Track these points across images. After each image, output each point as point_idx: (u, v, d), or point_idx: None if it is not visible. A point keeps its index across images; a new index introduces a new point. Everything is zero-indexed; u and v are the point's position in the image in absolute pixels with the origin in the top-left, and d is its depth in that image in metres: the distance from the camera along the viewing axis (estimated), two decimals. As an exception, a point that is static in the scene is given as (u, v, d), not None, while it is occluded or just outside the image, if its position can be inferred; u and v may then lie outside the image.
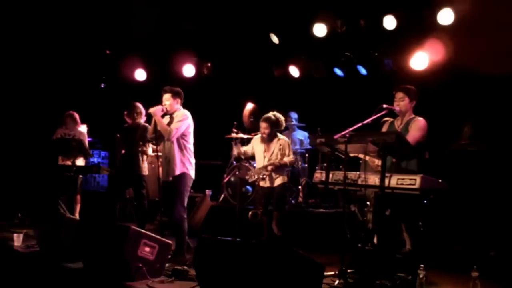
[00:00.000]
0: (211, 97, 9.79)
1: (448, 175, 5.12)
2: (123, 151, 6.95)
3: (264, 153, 6.51)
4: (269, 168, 6.39)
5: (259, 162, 6.56)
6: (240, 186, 7.63)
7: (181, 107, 5.88)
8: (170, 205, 5.73)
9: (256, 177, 6.46)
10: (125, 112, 6.95)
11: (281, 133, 6.71)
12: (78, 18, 8.70)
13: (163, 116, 5.76)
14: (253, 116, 8.39)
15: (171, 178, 5.73)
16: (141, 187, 6.79)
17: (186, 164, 5.74)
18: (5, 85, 9.21)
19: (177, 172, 5.69)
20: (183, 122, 5.71)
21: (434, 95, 7.28)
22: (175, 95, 5.81)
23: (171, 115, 5.82)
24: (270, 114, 6.46)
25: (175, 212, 5.65)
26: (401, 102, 5.18)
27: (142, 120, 6.88)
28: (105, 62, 10.19)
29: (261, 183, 6.48)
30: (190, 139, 5.84)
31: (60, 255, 5.44)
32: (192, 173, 5.81)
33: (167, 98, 5.77)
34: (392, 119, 5.41)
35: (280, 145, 6.44)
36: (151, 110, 5.67)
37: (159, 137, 5.78)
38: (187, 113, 5.81)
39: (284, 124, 6.64)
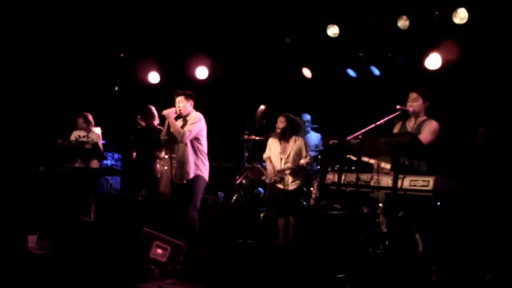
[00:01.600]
0: (224, 99, 9.79)
1: (462, 176, 5.07)
2: (134, 153, 7.01)
3: (280, 154, 6.52)
4: (287, 172, 6.39)
5: (276, 163, 6.55)
6: (252, 188, 7.62)
7: (193, 110, 5.90)
8: (183, 207, 5.74)
9: (272, 179, 6.46)
10: (139, 116, 7.03)
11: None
12: (92, 21, 8.76)
13: (176, 119, 5.78)
14: (265, 118, 8.39)
15: (185, 181, 5.74)
16: (154, 189, 6.85)
17: (200, 167, 5.76)
18: (20, 87, 9.30)
19: (191, 175, 5.70)
20: (196, 124, 5.73)
21: (448, 95, 7.22)
22: (188, 97, 5.84)
23: (184, 117, 5.84)
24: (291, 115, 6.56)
25: (188, 214, 5.66)
26: (415, 103, 5.13)
27: (155, 122, 6.97)
28: (119, 65, 10.23)
29: (278, 185, 6.48)
30: (204, 141, 5.86)
31: (74, 256, 5.48)
32: (206, 175, 5.82)
33: (180, 100, 5.81)
34: (402, 121, 5.36)
35: (297, 146, 6.45)
36: (165, 112, 5.71)
37: (172, 139, 5.80)
38: (200, 115, 5.83)
39: (302, 131, 6.68)
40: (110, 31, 9.16)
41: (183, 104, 5.79)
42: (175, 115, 5.74)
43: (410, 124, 5.21)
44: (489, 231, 6.01)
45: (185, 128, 5.70)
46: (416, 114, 5.16)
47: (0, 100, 9.07)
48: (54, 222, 6.18)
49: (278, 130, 6.52)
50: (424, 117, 5.10)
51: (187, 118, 5.83)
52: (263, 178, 6.82)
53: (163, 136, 5.95)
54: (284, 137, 6.53)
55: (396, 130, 5.32)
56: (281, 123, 6.50)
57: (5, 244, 6.30)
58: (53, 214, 6.73)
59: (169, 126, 5.73)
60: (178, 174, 5.80)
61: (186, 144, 5.73)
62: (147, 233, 4.89)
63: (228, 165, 9.12)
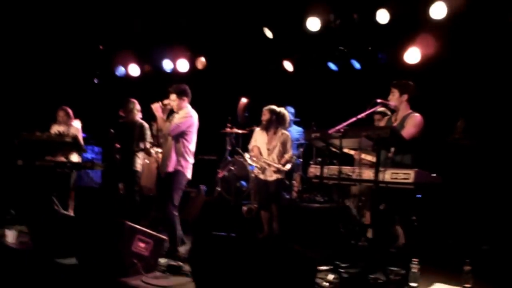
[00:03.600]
0: (205, 92, 9.74)
1: (441, 169, 5.13)
2: (117, 146, 6.97)
3: (266, 144, 6.58)
4: (272, 169, 6.44)
5: (262, 153, 6.61)
6: (235, 181, 7.63)
7: (188, 105, 5.83)
8: (162, 201, 5.73)
9: (258, 165, 6.54)
10: (121, 109, 6.99)
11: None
12: (71, 13, 8.65)
13: (170, 114, 5.74)
14: (247, 111, 8.39)
15: (163, 175, 5.73)
16: (133, 183, 6.84)
17: (182, 162, 5.69)
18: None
19: (170, 169, 5.65)
20: (185, 120, 5.67)
21: (428, 89, 7.29)
22: (180, 94, 5.76)
23: (177, 112, 5.80)
24: (275, 107, 6.59)
25: (165, 209, 5.61)
26: (392, 96, 5.17)
27: (138, 116, 6.93)
28: (99, 57, 10.13)
29: (260, 176, 6.54)
30: (191, 138, 5.76)
31: (54, 251, 5.42)
32: (187, 172, 5.75)
33: (173, 98, 5.74)
34: (390, 115, 5.42)
35: (284, 139, 6.51)
36: (152, 106, 5.66)
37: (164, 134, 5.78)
38: (191, 112, 5.77)
39: (287, 122, 6.70)
40: (89, 23, 9.06)
41: (176, 102, 5.73)
42: (160, 109, 5.67)
43: (394, 118, 5.26)
44: (469, 223, 6.12)
45: (173, 122, 5.65)
46: (397, 108, 5.21)
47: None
48: (33, 216, 6.10)
49: (264, 122, 6.59)
50: (409, 111, 5.14)
51: (179, 113, 5.78)
52: (248, 166, 6.86)
53: (156, 131, 5.94)
54: (269, 129, 6.57)
55: (382, 124, 5.38)
56: (264, 115, 6.58)
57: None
58: (32, 208, 6.65)
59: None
60: (161, 166, 5.79)
61: (172, 139, 5.67)
62: (129, 227, 4.86)
63: (210, 158, 9.10)
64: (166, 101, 5.70)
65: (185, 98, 5.79)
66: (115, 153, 7.05)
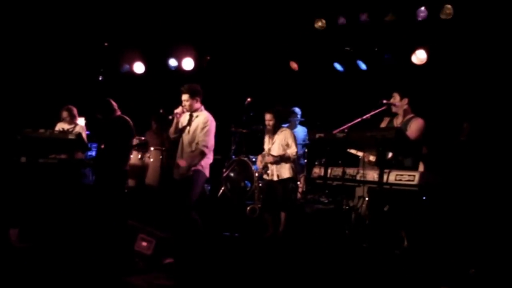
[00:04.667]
0: (210, 91, 9.72)
1: (447, 171, 5.11)
2: (102, 146, 6.82)
3: (268, 145, 6.51)
4: (268, 159, 6.36)
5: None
6: (239, 181, 7.61)
7: (201, 106, 5.77)
8: (179, 203, 5.62)
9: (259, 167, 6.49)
10: (98, 111, 6.78)
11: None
12: (75, 11, 8.65)
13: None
14: (252, 110, 8.37)
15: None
16: (121, 182, 6.66)
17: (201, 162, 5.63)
18: (3, 79, 9.18)
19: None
20: (209, 131, 5.62)
21: (434, 90, 7.26)
22: (193, 94, 5.67)
23: (191, 113, 5.73)
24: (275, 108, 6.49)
25: (185, 212, 5.52)
26: (393, 100, 5.21)
27: (118, 113, 6.76)
28: (103, 54, 10.13)
29: (264, 176, 6.47)
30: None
31: (57, 249, 5.42)
32: (206, 171, 5.70)
33: (186, 98, 5.65)
34: (390, 117, 5.40)
35: (283, 135, 6.41)
36: (177, 111, 5.61)
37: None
38: (209, 116, 5.71)
39: (286, 117, 6.65)
40: (94, 20, 9.05)
41: (189, 102, 5.64)
42: (182, 113, 5.66)
43: (397, 121, 5.24)
44: (475, 225, 6.06)
45: (199, 140, 5.57)
46: (400, 112, 5.21)
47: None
48: (35, 214, 6.11)
49: (269, 127, 6.47)
50: (411, 115, 5.14)
51: (195, 115, 5.71)
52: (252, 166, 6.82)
53: (171, 134, 5.81)
54: (275, 132, 6.51)
55: (383, 125, 5.35)
56: (269, 120, 6.44)
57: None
58: (35, 206, 6.65)
59: (177, 124, 5.66)
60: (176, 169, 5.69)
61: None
62: (132, 226, 4.85)
63: (215, 157, 9.07)
64: (177, 110, 5.63)
65: (198, 98, 5.72)
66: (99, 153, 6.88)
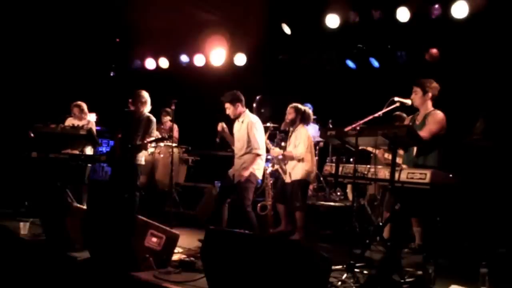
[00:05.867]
0: (222, 88, 9.72)
1: (459, 170, 5.05)
2: (119, 136, 6.78)
3: (285, 143, 6.58)
4: (272, 152, 6.50)
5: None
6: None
7: (245, 110, 6.00)
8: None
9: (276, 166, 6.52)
10: (130, 100, 6.78)
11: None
12: (87, 6, 8.66)
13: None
14: (263, 107, 8.35)
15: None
16: (133, 178, 6.63)
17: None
18: (15, 74, 9.24)
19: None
20: (257, 134, 5.82)
21: (448, 88, 7.18)
22: (233, 101, 5.93)
23: (237, 119, 5.98)
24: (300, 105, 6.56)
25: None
26: (415, 95, 5.13)
27: (146, 109, 6.72)
28: (115, 50, 10.16)
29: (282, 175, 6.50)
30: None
31: (67, 244, 5.43)
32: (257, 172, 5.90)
33: (227, 106, 5.94)
34: (413, 114, 5.36)
35: (296, 135, 6.40)
36: (219, 129, 6.09)
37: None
38: (253, 119, 5.91)
39: (310, 119, 6.65)
40: (105, 16, 9.07)
41: (230, 110, 5.92)
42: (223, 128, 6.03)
43: (419, 117, 5.21)
44: (487, 224, 6.01)
45: (251, 145, 5.81)
46: (420, 107, 5.17)
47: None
48: (46, 209, 6.12)
49: (287, 120, 6.48)
50: (431, 109, 5.10)
51: (240, 121, 5.96)
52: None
53: (233, 146, 6.13)
54: (292, 127, 6.53)
55: (406, 123, 5.31)
56: (289, 114, 6.46)
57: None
58: (46, 200, 6.68)
59: (228, 136, 6.05)
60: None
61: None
62: (142, 221, 4.84)
63: (225, 154, 9.08)
64: (218, 128, 6.00)
65: (239, 104, 5.93)
66: (116, 145, 6.86)
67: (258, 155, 5.79)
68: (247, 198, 5.81)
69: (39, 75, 9.48)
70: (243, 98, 5.98)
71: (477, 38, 7.16)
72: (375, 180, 4.85)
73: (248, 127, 5.82)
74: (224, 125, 6.02)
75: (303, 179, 6.34)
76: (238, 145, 5.94)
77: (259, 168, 5.86)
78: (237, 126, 6.00)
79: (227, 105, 5.92)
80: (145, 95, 6.71)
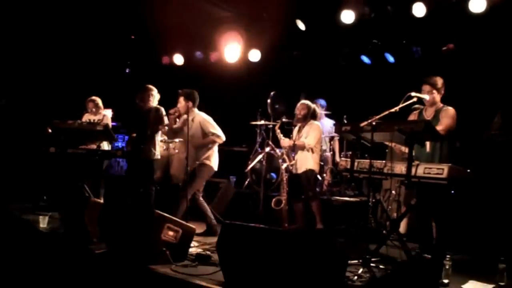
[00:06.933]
0: (236, 84, 9.75)
1: (477, 165, 5.03)
2: (133, 135, 6.81)
3: (295, 136, 6.60)
4: (282, 142, 6.60)
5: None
6: (264, 173, 7.60)
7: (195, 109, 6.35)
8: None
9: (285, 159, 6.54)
10: (137, 95, 6.74)
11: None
12: (104, 3, 8.71)
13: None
14: (277, 103, 8.36)
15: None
16: (147, 172, 6.65)
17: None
18: (33, 72, 9.35)
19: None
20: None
21: (465, 83, 7.15)
22: (187, 98, 6.32)
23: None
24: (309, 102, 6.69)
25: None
26: (430, 95, 5.14)
27: (155, 103, 6.72)
28: (130, 46, 10.22)
29: (288, 167, 6.53)
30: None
31: (84, 237, 5.50)
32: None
33: (180, 101, 6.37)
34: (420, 108, 5.36)
35: (309, 128, 6.48)
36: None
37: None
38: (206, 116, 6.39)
39: (318, 116, 6.73)
40: (121, 12, 9.11)
41: (181, 104, 6.32)
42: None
43: (428, 113, 5.20)
44: (505, 219, 5.97)
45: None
46: (430, 104, 5.19)
47: (13, 82, 9.13)
48: (65, 203, 6.20)
49: (300, 117, 6.55)
50: (441, 105, 5.12)
51: (191, 119, 6.34)
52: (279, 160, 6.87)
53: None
54: (304, 123, 6.60)
55: (412, 118, 5.31)
56: (302, 110, 6.56)
57: (16, 225, 6.35)
58: (64, 195, 6.76)
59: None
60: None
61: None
62: (158, 215, 4.89)
63: (240, 149, 9.12)
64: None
65: (190, 102, 6.29)
66: (130, 143, 6.90)
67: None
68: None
69: (57, 73, 9.57)
70: (196, 100, 6.41)
71: (495, 33, 7.08)
72: (392, 175, 4.86)
73: (201, 123, 6.30)
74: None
75: (313, 169, 6.52)
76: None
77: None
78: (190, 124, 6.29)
79: (181, 99, 6.28)
80: (154, 88, 6.73)
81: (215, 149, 6.47)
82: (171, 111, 6.32)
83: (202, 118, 6.37)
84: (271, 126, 8.02)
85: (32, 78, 9.39)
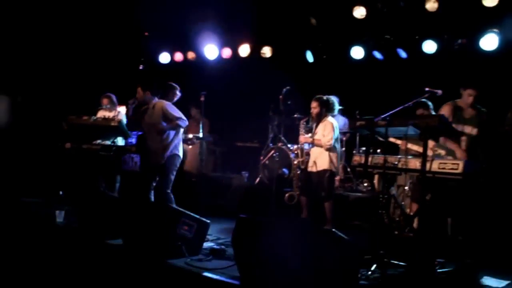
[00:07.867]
0: (248, 80, 9.76)
1: (492, 160, 5.03)
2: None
3: (313, 135, 6.49)
4: (301, 139, 6.53)
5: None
6: (277, 169, 7.63)
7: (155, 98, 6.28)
8: None
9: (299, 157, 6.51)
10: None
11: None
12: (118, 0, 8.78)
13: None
14: (289, 99, 8.36)
15: None
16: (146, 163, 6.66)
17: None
18: (50, 69, 9.43)
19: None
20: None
21: (476, 78, 7.11)
22: (144, 87, 6.27)
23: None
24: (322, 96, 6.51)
25: None
26: (473, 98, 5.34)
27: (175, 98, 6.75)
28: (144, 44, 10.27)
29: (306, 166, 6.48)
30: None
31: (100, 231, 5.56)
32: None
33: (138, 91, 6.32)
34: (453, 105, 5.38)
35: (324, 125, 6.35)
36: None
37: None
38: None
39: (335, 108, 6.60)
40: (135, 10, 9.15)
41: (140, 94, 6.30)
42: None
43: (466, 114, 5.37)
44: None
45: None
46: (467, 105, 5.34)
47: (29, 79, 9.22)
48: (80, 197, 6.27)
49: (313, 115, 6.44)
50: (478, 106, 5.36)
51: (152, 107, 6.24)
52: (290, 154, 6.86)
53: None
54: (319, 120, 6.48)
55: (444, 112, 5.28)
56: (314, 108, 6.42)
57: (32, 219, 6.43)
58: (80, 190, 6.83)
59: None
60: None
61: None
62: (174, 210, 4.94)
63: (253, 145, 9.14)
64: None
65: (148, 93, 6.23)
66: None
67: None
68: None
69: (72, 70, 9.65)
70: (155, 88, 6.32)
71: (508, 26, 7.05)
72: (406, 171, 4.85)
73: (163, 109, 6.13)
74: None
75: (329, 169, 6.30)
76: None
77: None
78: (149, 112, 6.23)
79: (139, 89, 6.26)
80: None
81: (180, 136, 6.34)
82: (130, 101, 6.41)
83: (162, 104, 6.20)
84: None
85: (48, 75, 9.47)
